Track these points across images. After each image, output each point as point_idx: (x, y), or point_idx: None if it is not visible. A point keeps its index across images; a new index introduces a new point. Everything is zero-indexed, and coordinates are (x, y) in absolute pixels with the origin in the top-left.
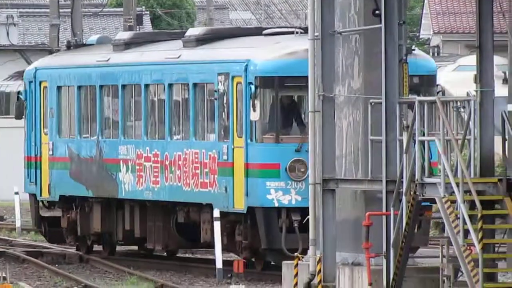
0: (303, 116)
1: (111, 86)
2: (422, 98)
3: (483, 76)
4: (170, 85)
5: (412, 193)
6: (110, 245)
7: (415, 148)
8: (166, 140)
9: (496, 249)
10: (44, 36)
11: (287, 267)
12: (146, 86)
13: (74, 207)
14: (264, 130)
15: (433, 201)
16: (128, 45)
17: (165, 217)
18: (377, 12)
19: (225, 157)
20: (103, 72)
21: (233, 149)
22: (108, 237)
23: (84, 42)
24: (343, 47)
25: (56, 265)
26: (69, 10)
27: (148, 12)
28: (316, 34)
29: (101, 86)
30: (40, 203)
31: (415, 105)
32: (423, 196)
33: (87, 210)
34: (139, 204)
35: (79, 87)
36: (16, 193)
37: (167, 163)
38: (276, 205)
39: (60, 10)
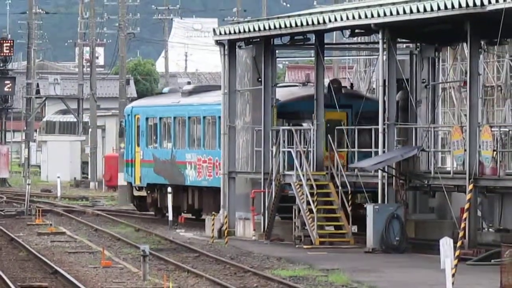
0: None
1: (181, 118)
2: (284, 127)
3: (318, 114)
4: (219, 117)
5: (278, 180)
6: (176, 214)
7: (280, 155)
8: (216, 150)
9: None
10: (74, 91)
11: (208, 219)
12: (204, 117)
13: (156, 190)
14: None
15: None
16: (191, 93)
17: (215, 196)
18: (259, 79)
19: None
20: (176, 108)
21: None
22: (177, 208)
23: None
24: (241, 98)
25: (80, 217)
26: (89, 75)
27: (132, 77)
28: (225, 91)
29: (174, 117)
30: (134, 188)
31: (279, 132)
32: (284, 181)
33: (164, 192)
34: (197, 189)
35: (160, 118)
36: (58, 177)
37: (216, 163)
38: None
39: (84, 76)
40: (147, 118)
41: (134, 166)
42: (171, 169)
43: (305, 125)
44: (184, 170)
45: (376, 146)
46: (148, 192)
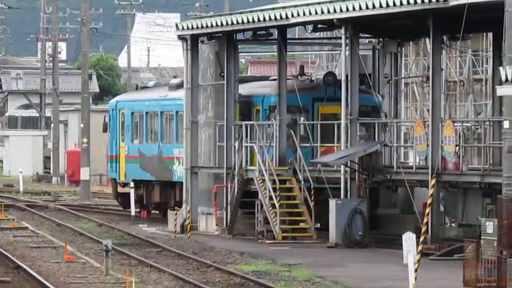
0: None
1: (168, 112)
2: (246, 122)
3: (281, 109)
4: None
5: (240, 174)
6: (163, 211)
7: (242, 150)
8: None
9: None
10: (37, 85)
11: (171, 214)
12: None
13: (141, 186)
14: None
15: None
16: (178, 86)
17: None
18: (222, 74)
19: None
20: (163, 103)
21: None
22: (164, 205)
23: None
24: (203, 93)
25: (42, 212)
26: (51, 70)
27: (95, 72)
28: (188, 86)
29: (161, 112)
30: (118, 185)
31: (242, 127)
32: (246, 176)
33: (150, 189)
34: None
35: (147, 112)
36: (20, 172)
37: None
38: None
39: (46, 71)
40: (132, 113)
41: (119, 162)
42: (158, 164)
43: (303, 119)
44: (172, 166)
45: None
46: (134, 188)
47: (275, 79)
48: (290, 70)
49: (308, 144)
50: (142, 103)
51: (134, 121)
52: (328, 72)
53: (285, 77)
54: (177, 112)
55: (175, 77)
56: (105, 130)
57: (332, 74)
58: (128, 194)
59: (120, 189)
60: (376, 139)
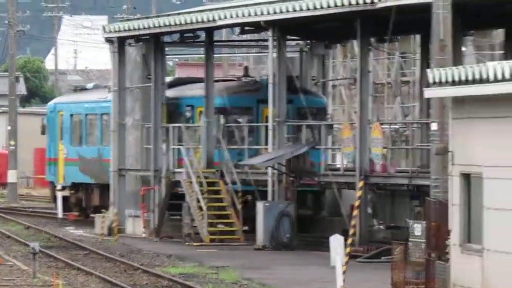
0: None
1: (108, 114)
2: (169, 124)
3: (208, 111)
4: None
5: (167, 177)
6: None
7: (170, 152)
8: None
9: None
10: None
11: (98, 217)
12: None
13: (81, 190)
14: None
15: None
16: (170, 86)
17: None
18: (149, 77)
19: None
20: (103, 105)
21: None
22: (103, 208)
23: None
24: (130, 96)
25: None
26: None
27: (22, 75)
28: (115, 88)
29: (101, 114)
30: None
31: (169, 129)
32: (174, 178)
33: (89, 192)
34: None
35: (86, 115)
36: None
37: None
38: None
39: None
40: (71, 115)
41: (58, 165)
42: (98, 167)
43: (241, 120)
44: None
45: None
46: (72, 191)
47: (219, 80)
48: (217, 72)
49: (236, 146)
50: (82, 105)
51: (73, 124)
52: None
53: (212, 79)
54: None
55: (12, 84)
56: (43, 132)
57: None
58: (67, 197)
59: (58, 192)
60: (304, 141)
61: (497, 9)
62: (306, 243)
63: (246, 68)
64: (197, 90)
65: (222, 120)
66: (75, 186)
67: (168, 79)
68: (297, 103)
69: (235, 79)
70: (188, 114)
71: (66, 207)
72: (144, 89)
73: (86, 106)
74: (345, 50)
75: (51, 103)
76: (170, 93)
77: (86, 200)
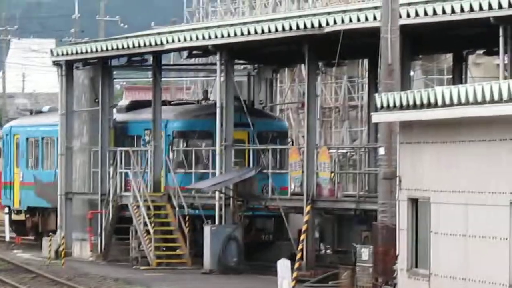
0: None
1: None
2: (116, 148)
3: (156, 135)
4: None
5: (115, 200)
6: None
7: (117, 176)
8: None
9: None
10: None
11: (45, 240)
12: None
13: (37, 214)
14: None
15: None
16: (128, 109)
17: None
18: (96, 100)
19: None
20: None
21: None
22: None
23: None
24: (78, 119)
25: None
26: None
27: None
28: (63, 112)
29: (57, 138)
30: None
31: (117, 155)
32: (121, 202)
33: (46, 216)
34: None
35: (43, 138)
36: None
37: None
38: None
39: None
40: (27, 138)
41: (13, 189)
42: (55, 191)
43: (204, 144)
44: None
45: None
46: (28, 216)
47: (178, 104)
48: (165, 95)
49: (183, 170)
50: (38, 128)
51: (29, 147)
52: (234, 97)
53: (159, 103)
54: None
55: None
56: None
57: (237, 99)
58: (23, 221)
59: (14, 217)
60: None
61: (445, 34)
62: (253, 267)
63: (206, 92)
64: (168, 113)
65: (181, 145)
66: (31, 210)
67: (123, 102)
68: (259, 127)
69: (195, 102)
70: (147, 137)
71: (22, 231)
72: (91, 112)
73: (42, 129)
74: (293, 74)
75: (6, 126)
76: (128, 116)
77: (42, 224)
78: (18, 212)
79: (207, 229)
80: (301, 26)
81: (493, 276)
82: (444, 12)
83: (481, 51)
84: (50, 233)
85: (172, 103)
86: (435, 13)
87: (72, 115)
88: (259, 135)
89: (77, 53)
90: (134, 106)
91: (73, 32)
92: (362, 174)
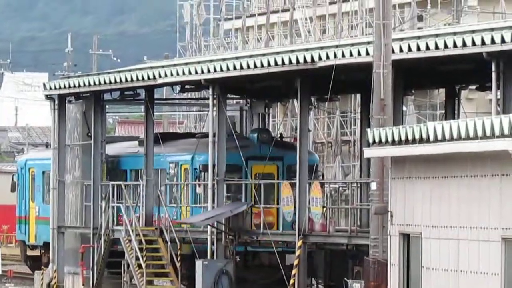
0: None
1: None
2: (114, 182)
3: (148, 170)
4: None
5: (107, 234)
6: None
7: (109, 210)
8: None
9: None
10: None
11: (37, 274)
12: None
13: None
14: None
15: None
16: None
17: None
18: (89, 134)
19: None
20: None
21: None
22: None
23: None
24: (71, 153)
25: None
26: None
27: None
28: (55, 146)
29: None
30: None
31: (109, 188)
32: (113, 236)
33: None
34: None
35: None
36: None
37: None
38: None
39: None
40: (43, 172)
41: (29, 223)
42: None
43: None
44: None
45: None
46: (43, 251)
47: (203, 136)
48: (157, 129)
49: (175, 205)
50: None
51: (45, 181)
52: (262, 129)
53: (152, 137)
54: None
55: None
56: (13, 189)
57: (267, 132)
58: (38, 257)
59: (29, 252)
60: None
61: (438, 68)
62: None
63: (233, 124)
64: (180, 146)
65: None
66: (47, 245)
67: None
68: (288, 160)
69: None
70: (172, 171)
71: (38, 267)
72: (84, 146)
73: None
74: (286, 108)
75: (21, 159)
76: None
77: None
78: (34, 247)
79: (199, 264)
80: (294, 60)
81: None
82: (437, 47)
83: (473, 87)
84: (43, 267)
85: (196, 136)
86: (427, 48)
87: (64, 149)
88: (288, 169)
89: (69, 87)
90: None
91: (66, 66)
92: (354, 209)
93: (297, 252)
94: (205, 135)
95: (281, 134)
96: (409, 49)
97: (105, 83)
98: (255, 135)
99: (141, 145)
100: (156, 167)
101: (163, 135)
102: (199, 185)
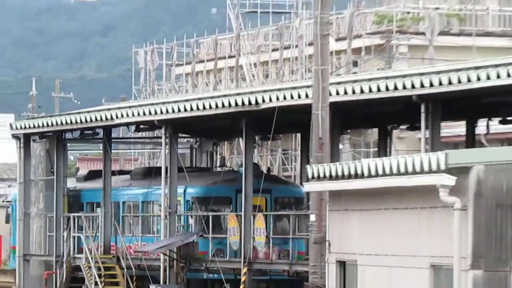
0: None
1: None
2: (75, 214)
3: (106, 203)
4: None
5: (68, 262)
6: None
7: (70, 239)
8: None
9: None
10: None
11: None
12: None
13: None
14: None
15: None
16: (86, 178)
17: None
18: (52, 170)
19: None
20: (70, 194)
21: None
22: None
23: None
24: (35, 187)
25: None
26: None
27: None
28: (21, 181)
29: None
30: None
31: (70, 220)
32: (74, 263)
33: None
34: None
35: None
36: None
37: None
38: None
39: None
40: None
41: None
42: None
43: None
44: None
45: None
46: None
47: (193, 170)
48: (115, 166)
49: (131, 234)
50: None
51: None
52: (253, 164)
53: (110, 173)
54: (86, 203)
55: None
56: (7, 221)
57: (256, 166)
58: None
59: None
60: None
61: (372, 110)
62: None
63: (223, 158)
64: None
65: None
66: None
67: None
68: (276, 193)
69: (209, 168)
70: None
71: None
72: (47, 181)
73: None
74: (232, 146)
75: (15, 192)
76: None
77: None
78: None
79: None
80: (239, 102)
81: None
82: (370, 90)
83: (404, 126)
84: None
85: (187, 169)
86: (362, 91)
87: (29, 184)
88: (276, 201)
89: (34, 127)
90: (91, 175)
91: (30, 107)
92: (294, 238)
93: (243, 278)
94: (196, 169)
95: (268, 168)
96: (345, 92)
97: (66, 123)
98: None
99: (132, 179)
100: (113, 200)
101: (97, 172)
102: (191, 216)
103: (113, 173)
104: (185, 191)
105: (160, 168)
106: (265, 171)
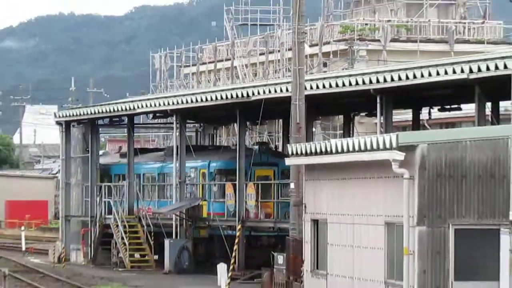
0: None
1: (120, 175)
2: (105, 183)
3: (130, 174)
4: (158, 174)
5: (100, 221)
6: None
7: (102, 203)
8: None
9: None
10: None
11: (50, 249)
12: (143, 174)
13: None
14: None
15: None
16: (123, 155)
17: None
18: (87, 149)
19: None
20: (115, 168)
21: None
22: None
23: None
24: (74, 163)
25: None
26: None
27: None
28: (63, 157)
29: (114, 175)
30: None
31: (102, 189)
32: (105, 222)
33: None
34: None
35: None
36: None
37: None
38: None
39: None
40: None
41: None
42: None
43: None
44: None
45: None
46: None
47: (216, 148)
48: (137, 145)
49: (149, 199)
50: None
51: None
52: (262, 142)
53: (133, 151)
54: (114, 175)
55: (120, 147)
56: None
57: (266, 144)
58: None
59: None
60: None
61: (338, 101)
62: (201, 269)
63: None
64: (198, 157)
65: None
66: None
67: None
68: (281, 165)
69: (231, 146)
70: (192, 174)
71: None
72: (83, 158)
73: (103, 168)
74: (229, 130)
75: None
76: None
77: None
78: None
79: (166, 242)
80: (234, 95)
81: (372, 275)
82: (337, 85)
83: (364, 113)
84: (54, 245)
85: (209, 147)
86: (330, 86)
87: (69, 160)
88: (282, 172)
89: (73, 115)
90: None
91: (70, 100)
92: (279, 202)
93: (237, 233)
94: (216, 147)
95: (275, 146)
96: (317, 87)
97: (98, 112)
98: (257, 146)
99: (166, 155)
100: (135, 172)
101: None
102: (215, 185)
103: (146, 150)
104: (209, 164)
105: (187, 147)
106: (273, 148)
